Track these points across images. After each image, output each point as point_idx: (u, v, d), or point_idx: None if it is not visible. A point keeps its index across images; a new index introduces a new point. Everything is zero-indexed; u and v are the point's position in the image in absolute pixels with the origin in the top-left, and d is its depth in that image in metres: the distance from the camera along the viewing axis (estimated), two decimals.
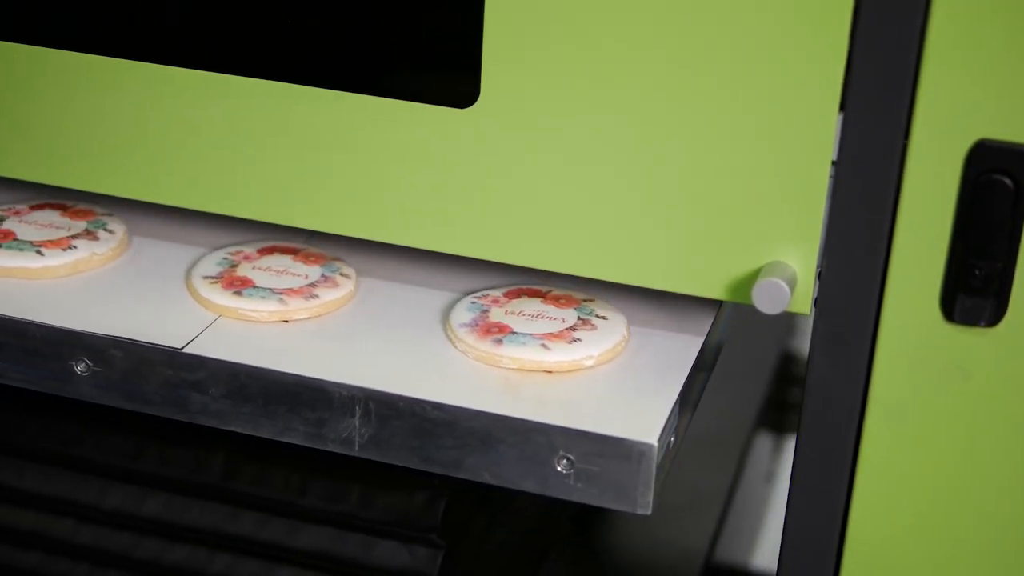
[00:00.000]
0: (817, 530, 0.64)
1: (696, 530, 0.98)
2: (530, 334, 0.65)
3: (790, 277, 0.60)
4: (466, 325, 0.66)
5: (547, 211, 0.64)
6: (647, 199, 0.62)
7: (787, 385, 1.29)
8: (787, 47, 0.58)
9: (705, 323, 0.69)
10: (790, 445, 1.36)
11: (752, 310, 0.72)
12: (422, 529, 0.70)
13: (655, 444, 0.59)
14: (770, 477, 1.30)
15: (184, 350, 0.64)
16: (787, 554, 0.65)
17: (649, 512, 0.61)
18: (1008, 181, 0.57)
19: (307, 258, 0.71)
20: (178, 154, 0.68)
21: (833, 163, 0.60)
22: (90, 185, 0.70)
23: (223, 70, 0.66)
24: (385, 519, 0.71)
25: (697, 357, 0.66)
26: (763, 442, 1.19)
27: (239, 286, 0.68)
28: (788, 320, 1.26)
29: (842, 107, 0.59)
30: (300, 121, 0.66)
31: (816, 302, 0.62)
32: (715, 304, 0.71)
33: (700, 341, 0.67)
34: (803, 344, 1.33)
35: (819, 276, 0.61)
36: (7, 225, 0.72)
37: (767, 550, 1.37)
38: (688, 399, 0.66)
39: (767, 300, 0.60)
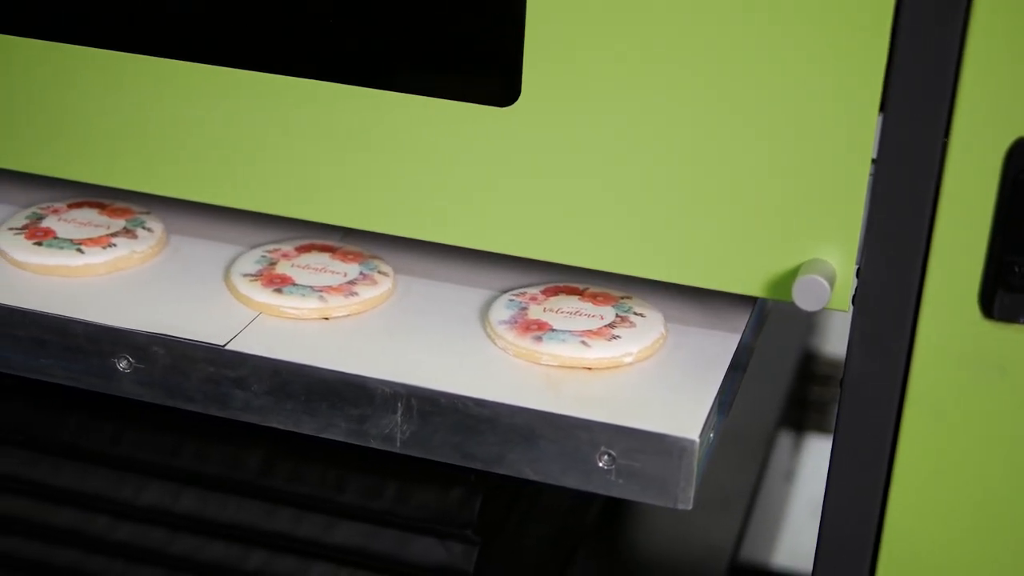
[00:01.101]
0: (853, 529, 0.65)
1: (722, 528, 0.98)
2: (569, 331, 0.66)
3: (830, 274, 0.61)
4: (505, 322, 0.66)
5: (586, 209, 0.64)
6: (687, 197, 0.63)
7: (807, 383, 1.29)
8: (828, 46, 0.59)
9: (740, 320, 0.69)
10: (810, 443, 1.36)
11: (774, 308, 0.72)
12: (458, 525, 0.71)
13: (696, 440, 0.60)
14: (789, 475, 1.31)
15: (226, 347, 0.64)
16: (823, 553, 0.66)
17: (690, 507, 0.61)
18: None
19: (345, 256, 0.71)
20: (218, 153, 0.69)
21: (873, 161, 0.60)
22: (129, 183, 0.71)
23: (264, 69, 0.66)
24: (421, 515, 0.71)
25: (734, 355, 0.67)
26: (784, 440, 1.19)
27: (279, 284, 0.68)
28: (809, 319, 1.26)
29: (883, 106, 0.59)
30: (339, 119, 0.66)
31: (854, 299, 0.62)
32: (749, 302, 0.71)
33: (737, 338, 0.68)
34: (823, 343, 1.33)
35: (858, 273, 0.62)
36: (46, 223, 0.72)
37: (786, 548, 1.38)
38: (725, 396, 0.66)
39: (808, 297, 0.60)
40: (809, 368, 1.29)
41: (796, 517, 1.44)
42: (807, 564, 1.34)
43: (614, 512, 0.98)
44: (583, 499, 0.93)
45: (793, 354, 1.21)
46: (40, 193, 0.77)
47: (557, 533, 0.87)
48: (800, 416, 1.29)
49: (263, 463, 0.73)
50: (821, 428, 1.32)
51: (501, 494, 0.74)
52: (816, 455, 1.41)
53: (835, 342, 1.34)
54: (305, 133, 0.67)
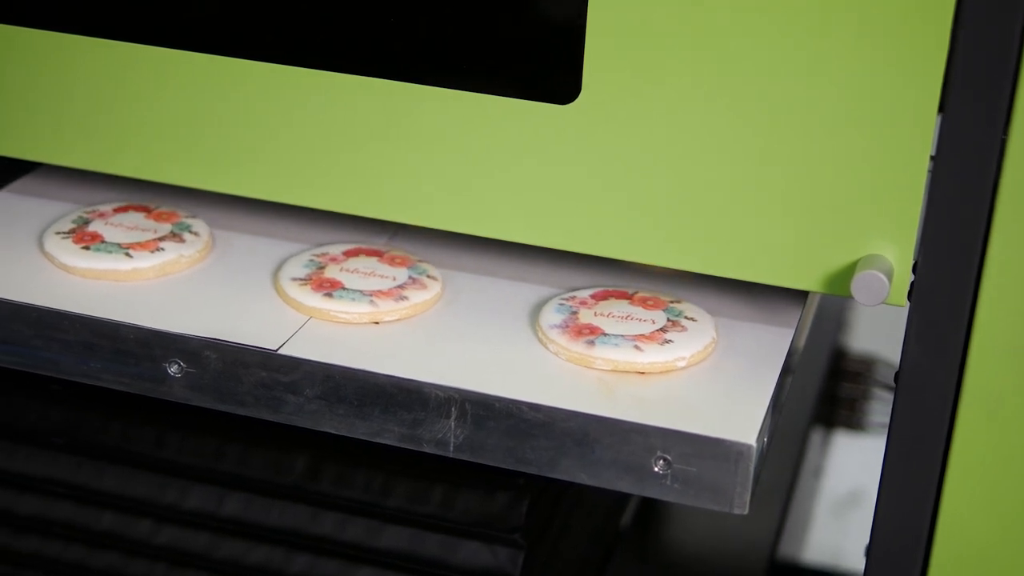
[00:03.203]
0: (907, 524, 0.64)
1: (759, 525, 0.98)
2: (622, 335, 0.65)
3: (887, 269, 0.60)
4: (556, 327, 0.66)
5: (645, 205, 0.64)
6: (745, 193, 0.62)
7: (837, 380, 1.29)
8: (888, 42, 0.58)
9: (790, 320, 0.69)
10: (837, 439, 1.36)
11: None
12: (506, 530, 0.70)
13: (753, 445, 0.60)
14: (818, 472, 1.31)
15: (279, 351, 0.64)
16: (876, 548, 0.65)
17: (745, 512, 0.61)
18: None
19: (393, 260, 0.71)
20: (271, 150, 0.68)
21: (931, 158, 0.60)
22: (177, 179, 0.70)
23: (320, 66, 0.66)
24: (468, 520, 0.71)
25: (786, 358, 0.67)
26: (814, 436, 1.19)
27: (328, 288, 0.68)
28: (839, 316, 1.26)
29: (942, 103, 0.59)
30: (397, 116, 0.66)
31: (910, 294, 0.62)
32: (797, 300, 0.71)
33: (788, 340, 0.67)
34: (852, 339, 1.33)
35: (914, 268, 0.62)
36: (93, 227, 0.72)
37: (815, 545, 1.38)
38: (778, 400, 0.66)
39: (867, 292, 0.60)
40: (837, 365, 1.29)
41: (823, 513, 1.44)
42: (833, 560, 1.34)
43: (651, 510, 0.98)
44: (621, 498, 0.93)
45: (824, 351, 1.20)
46: (82, 195, 0.77)
47: (597, 533, 0.87)
48: (830, 413, 1.29)
49: (308, 467, 0.73)
50: (850, 425, 1.32)
51: (546, 498, 0.74)
52: (841, 451, 1.41)
53: (864, 339, 1.33)
54: (362, 130, 0.67)
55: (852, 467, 1.45)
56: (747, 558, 0.95)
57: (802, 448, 1.08)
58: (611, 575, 0.89)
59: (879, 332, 1.28)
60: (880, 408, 1.27)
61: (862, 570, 0.66)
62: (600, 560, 0.88)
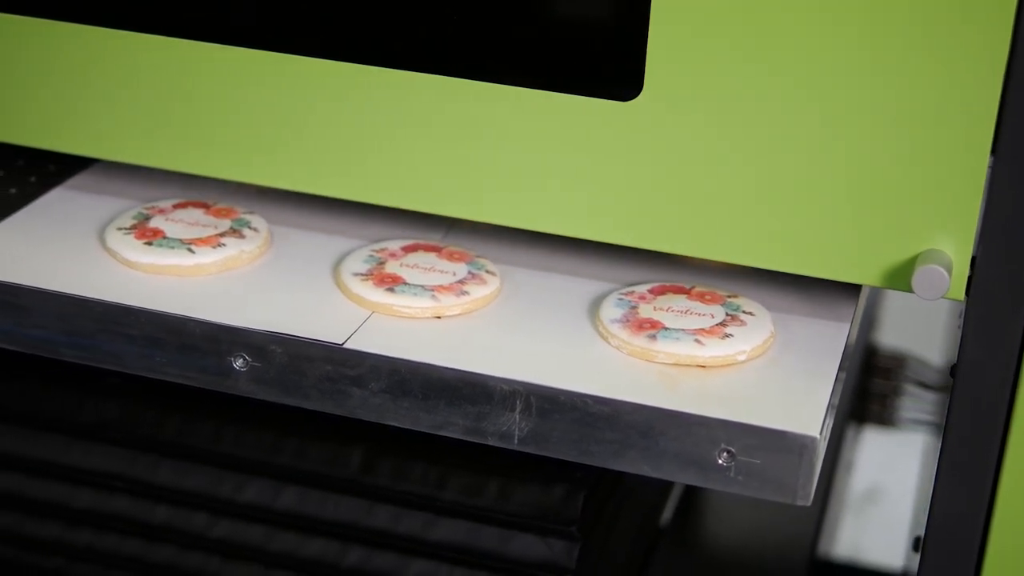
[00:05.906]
0: (962, 518, 0.65)
1: (799, 521, 0.99)
2: (682, 329, 0.66)
3: (947, 264, 0.61)
4: (617, 321, 0.67)
5: (704, 201, 0.64)
6: (805, 188, 0.63)
7: (869, 376, 1.29)
8: (949, 38, 0.59)
9: (845, 314, 0.70)
10: (868, 435, 1.37)
11: None
12: (562, 522, 0.71)
13: (818, 437, 0.60)
14: (849, 466, 1.31)
15: (344, 345, 0.64)
16: (931, 543, 0.66)
17: (809, 503, 0.61)
18: None
19: (451, 256, 0.71)
20: (330, 145, 0.69)
21: (991, 152, 0.60)
22: (238, 175, 0.71)
23: (380, 64, 0.67)
24: (524, 512, 0.71)
25: (844, 350, 0.67)
26: (849, 432, 1.20)
27: (390, 283, 0.68)
28: (870, 313, 1.27)
29: (1002, 98, 0.59)
30: (458, 113, 0.66)
31: (968, 289, 0.62)
32: (851, 294, 0.71)
33: (845, 334, 0.68)
34: (882, 336, 1.34)
35: (972, 263, 0.62)
36: (154, 223, 0.73)
37: (845, 540, 1.38)
38: (836, 393, 0.66)
39: (927, 287, 0.61)
40: (869, 361, 1.29)
41: (851, 509, 1.44)
42: (857, 555, 1.35)
43: (692, 505, 0.98)
44: (663, 493, 0.94)
45: (857, 347, 1.21)
46: (137, 189, 0.77)
47: (641, 526, 0.87)
48: (861, 408, 1.29)
49: (364, 461, 0.73)
50: (881, 421, 1.33)
51: (600, 491, 0.74)
52: (869, 447, 1.41)
53: (894, 335, 1.34)
54: (420, 126, 0.67)
55: (871, 463, 1.46)
56: (788, 552, 0.96)
57: (839, 444, 1.09)
58: (655, 568, 0.89)
59: (909, 329, 1.29)
60: (910, 404, 1.28)
61: (883, 565, 0.66)
62: (644, 553, 0.89)
